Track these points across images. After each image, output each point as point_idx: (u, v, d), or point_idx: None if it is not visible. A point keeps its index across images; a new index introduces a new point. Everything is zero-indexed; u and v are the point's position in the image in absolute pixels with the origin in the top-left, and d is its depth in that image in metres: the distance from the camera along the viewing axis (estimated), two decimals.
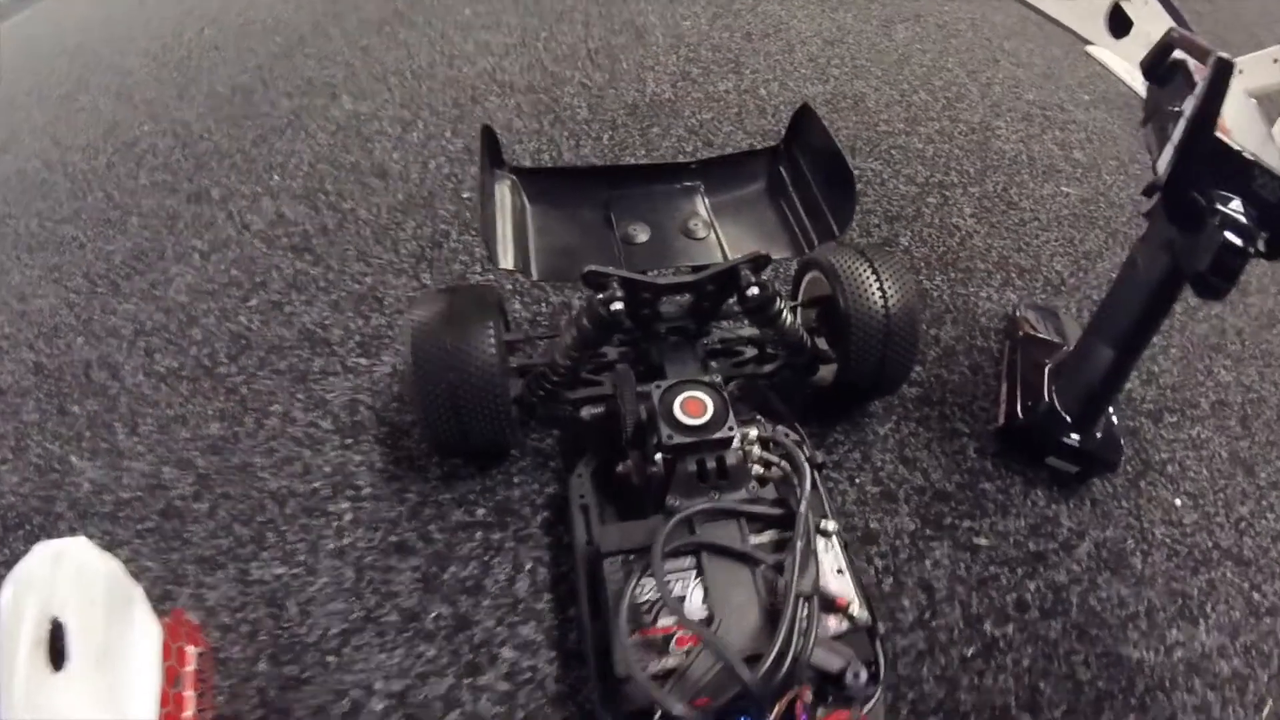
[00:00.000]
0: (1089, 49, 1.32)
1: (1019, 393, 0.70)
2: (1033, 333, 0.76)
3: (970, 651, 0.56)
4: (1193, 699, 0.55)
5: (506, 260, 0.57)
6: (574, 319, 0.53)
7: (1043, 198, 0.99)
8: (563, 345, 0.54)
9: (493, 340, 0.53)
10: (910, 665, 0.54)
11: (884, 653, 0.46)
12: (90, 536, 0.56)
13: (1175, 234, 0.54)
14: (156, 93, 1.18)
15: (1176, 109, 0.52)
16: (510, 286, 0.79)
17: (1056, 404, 0.67)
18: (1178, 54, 0.54)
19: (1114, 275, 0.85)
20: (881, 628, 0.48)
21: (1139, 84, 1.21)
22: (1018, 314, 0.78)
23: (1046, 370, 0.71)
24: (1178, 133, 0.51)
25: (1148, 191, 0.57)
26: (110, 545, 0.58)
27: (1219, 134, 0.49)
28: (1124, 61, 1.26)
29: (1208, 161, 0.50)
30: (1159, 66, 0.55)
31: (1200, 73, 0.51)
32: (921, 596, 0.58)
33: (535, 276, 0.59)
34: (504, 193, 0.62)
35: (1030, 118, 1.15)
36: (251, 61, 1.21)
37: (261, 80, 1.16)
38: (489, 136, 0.60)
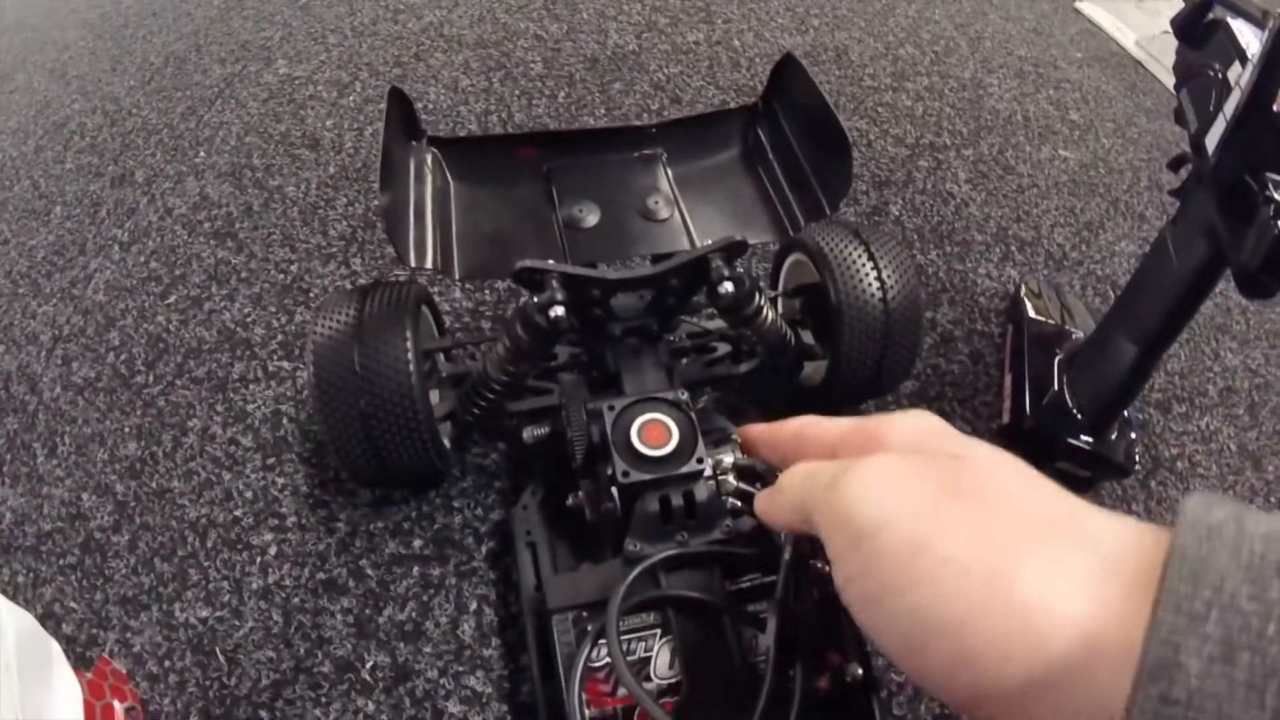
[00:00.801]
0: (1078, 4, 1.27)
1: (1025, 387, 0.63)
2: (1038, 316, 0.69)
3: None
4: None
5: (421, 258, 0.48)
6: (505, 325, 0.44)
7: (1040, 162, 0.92)
8: (495, 356, 0.45)
9: (409, 355, 0.44)
10: (906, 705, 0.49)
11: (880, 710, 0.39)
12: (15, 574, 0.54)
13: (1217, 219, 0.46)
14: (90, 67, 1.08)
15: (1217, 74, 0.46)
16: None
17: (1068, 401, 0.59)
18: (1216, 13, 0.48)
19: (1117, 248, 0.79)
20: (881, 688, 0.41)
21: (1130, 43, 1.17)
22: (1021, 294, 0.71)
23: (1056, 362, 0.64)
24: (1230, 105, 0.43)
25: (1174, 165, 0.51)
26: (35, 583, 0.54)
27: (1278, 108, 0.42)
28: (1113, 18, 1.20)
29: (1262, 141, 0.43)
30: (1195, 26, 0.49)
31: (1246, 36, 0.45)
32: None
33: (458, 275, 0.50)
34: (421, 170, 0.53)
35: (1023, 75, 1.08)
36: (187, 27, 1.11)
37: (195, 47, 1.07)
38: (397, 99, 0.50)
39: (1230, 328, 0.78)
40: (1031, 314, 0.68)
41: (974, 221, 0.82)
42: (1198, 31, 0.50)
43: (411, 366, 0.44)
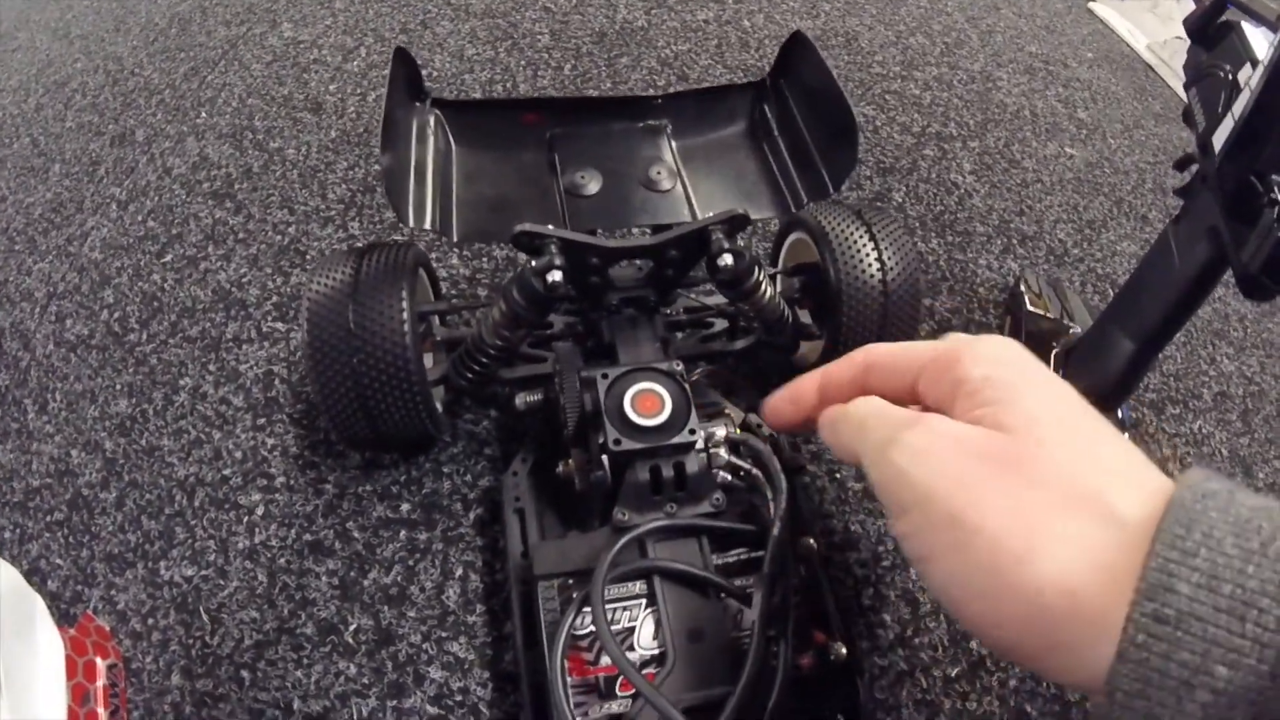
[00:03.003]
0: (1091, 4, 1.25)
1: None
2: (1037, 310, 0.68)
3: (954, 672, 0.49)
4: None
5: (420, 219, 0.47)
6: (503, 289, 0.43)
7: (1045, 158, 0.91)
8: (491, 321, 0.45)
9: (404, 316, 0.44)
10: (888, 689, 0.48)
11: (864, 690, 0.39)
12: (2, 529, 0.53)
13: (1221, 220, 0.46)
14: (93, 26, 1.07)
15: (1228, 75, 0.46)
16: (441, 239, 0.71)
17: None
18: (1229, 15, 0.48)
19: (1118, 248, 0.79)
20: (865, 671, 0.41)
21: (1141, 46, 1.17)
22: (1020, 287, 0.71)
23: (1053, 355, 0.64)
24: (1239, 106, 0.43)
25: (1180, 165, 0.51)
26: (21, 539, 0.53)
27: None
28: (1126, 21, 1.19)
29: (1269, 144, 0.43)
30: (1208, 27, 0.49)
31: (1257, 39, 0.45)
32: (904, 610, 0.51)
33: (456, 237, 0.50)
34: (423, 132, 0.52)
35: (1033, 71, 1.07)
36: None
37: (200, 8, 1.06)
38: (402, 60, 0.50)
39: (1227, 333, 0.77)
40: (1029, 308, 0.68)
41: (977, 213, 0.82)
42: (1210, 32, 0.50)
43: (407, 327, 0.44)
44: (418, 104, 0.52)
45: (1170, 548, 0.19)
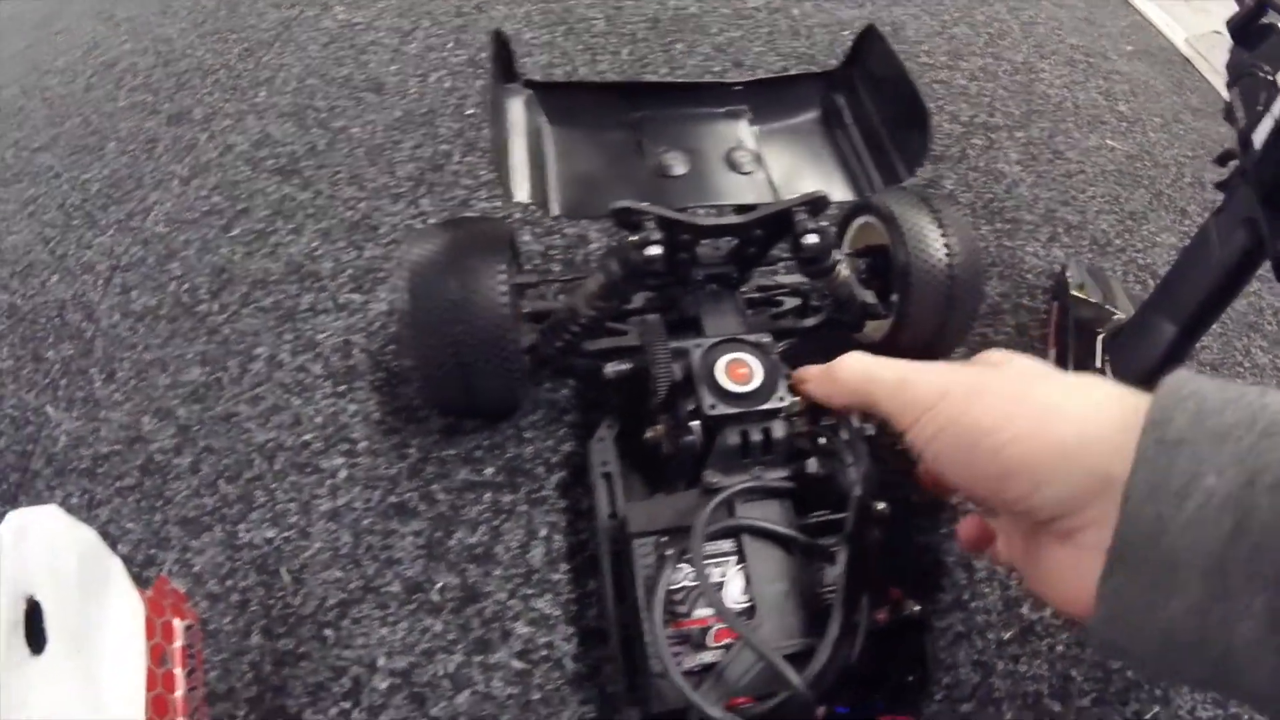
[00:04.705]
0: None
1: (1069, 362, 0.65)
2: (1083, 295, 0.70)
3: (1007, 635, 0.51)
4: (1212, 693, 0.51)
5: (522, 192, 0.49)
6: (601, 262, 0.45)
7: (1088, 150, 0.93)
8: (586, 292, 0.46)
9: (504, 285, 0.46)
10: (947, 649, 0.50)
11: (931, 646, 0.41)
12: (69, 495, 0.53)
13: (1259, 212, 0.49)
14: (138, 9, 1.08)
15: (1268, 75, 0.48)
16: (518, 216, 0.72)
17: (1109, 376, 0.62)
18: (1270, 18, 0.50)
19: (1158, 239, 0.80)
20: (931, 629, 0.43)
21: (1180, 40, 1.18)
22: (1067, 274, 0.72)
23: (1100, 339, 0.65)
24: (1278, 106, 0.46)
25: (1221, 160, 0.53)
26: (90, 505, 0.54)
27: None
28: (1164, 14, 1.21)
29: None
30: (1249, 28, 0.51)
31: None
32: (961, 576, 0.53)
33: (556, 211, 0.51)
34: (517, 111, 0.54)
35: (1074, 63, 1.08)
36: None
37: None
38: (500, 43, 0.51)
39: (1262, 327, 0.79)
40: (1075, 293, 0.70)
41: (1023, 201, 0.83)
42: (1251, 34, 0.52)
43: (506, 298, 0.46)
44: (510, 84, 0.54)
45: (1167, 396, 0.25)
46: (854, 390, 0.37)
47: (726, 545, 0.42)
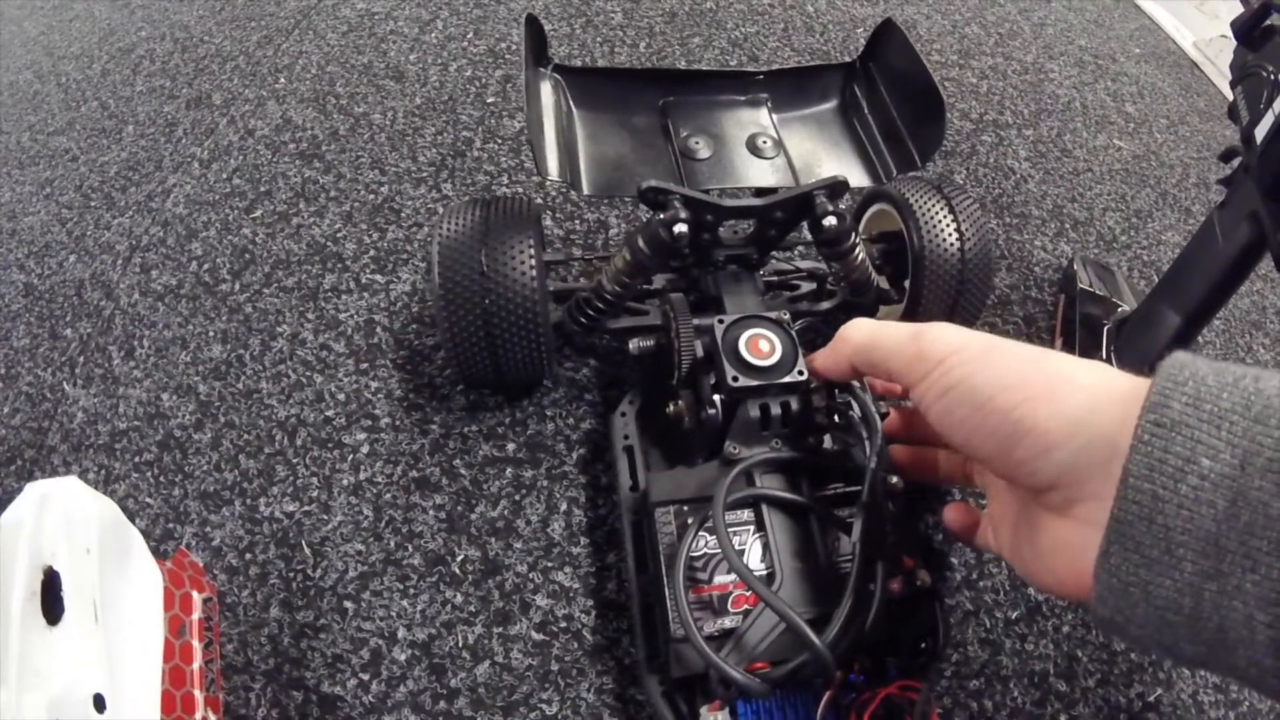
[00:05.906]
0: (1139, 1, 1.29)
1: (1075, 351, 0.66)
2: (1090, 288, 0.72)
3: (1014, 615, 0.52)
4: (1214, 678, 0.53)
5: (555, 171, 0.50)
6: (628, 239, 0.47)
7: (1095, 149, 0.95)
8: (612, 270, 0.48)
9: (534, 262, 0.47)
10: (956, 626, 0.51)
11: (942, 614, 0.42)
12: (85, 471, 0.53)
13: (1261, 205, 0.51)
14: None
15: (1270, 75, 0.50)
16: (539, 201, 0.73)
17: (1114, 365, 0.63)
18: (1273, 20, 0.52)
19: (1163, 238, 0.82)
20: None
21: (1188, 44, 1.19)
22: (1074, 267, 0.74)
23: (1106, 330, 0.67)
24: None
25: (1225, 157, 0.55)
26: (106, 480, 0.54)
27: None
28: (1172, 17, 1.22)
29: None
30: (1253, 30, 0.53)
31: None
32: (970, 555, 0.54)
33: (586, 191, 0.53)
34: (547, 95, 0.55)
35: (1082, 64, 1.10)
36: None
37: None
38: (534, 27, 0.53)
39: (1264, 325, 0.80)
40: (1082, 286, 0.72)
41: (1032, 197, 0.84)
42: (1255, 35, 0.54)
43: (536, 272, 0.47)
44: (541, 69, 0.56)
45: (1165, 381, 0.26)
46: (861, 347, 0.38)
47: (746, 514, 0.43)
